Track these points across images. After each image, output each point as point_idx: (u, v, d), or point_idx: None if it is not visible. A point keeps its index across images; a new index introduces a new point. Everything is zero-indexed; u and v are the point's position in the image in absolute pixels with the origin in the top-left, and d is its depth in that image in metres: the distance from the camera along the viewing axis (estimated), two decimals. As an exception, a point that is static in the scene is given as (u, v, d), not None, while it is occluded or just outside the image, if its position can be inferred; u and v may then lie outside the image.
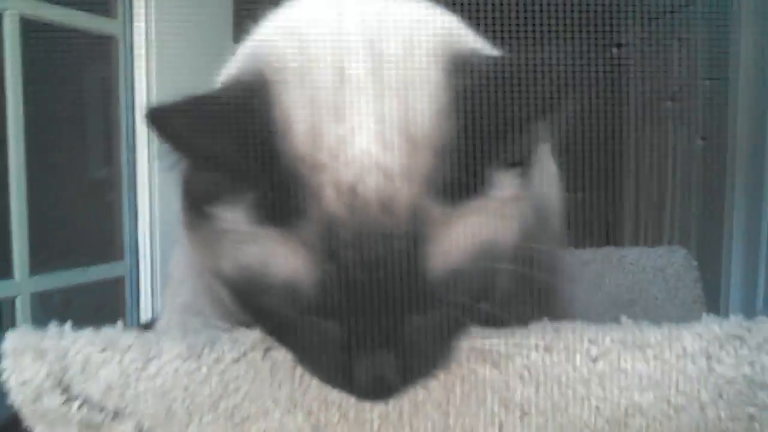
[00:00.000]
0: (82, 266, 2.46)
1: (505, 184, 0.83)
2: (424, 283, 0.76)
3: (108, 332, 0.92)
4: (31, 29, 2.15)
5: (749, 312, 1.04)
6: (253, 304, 0.82)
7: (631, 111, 4.76)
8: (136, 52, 2.45)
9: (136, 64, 2.46)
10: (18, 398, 0.90)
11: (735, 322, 0.98)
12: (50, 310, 2.39)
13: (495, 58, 0.86)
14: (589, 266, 1.80)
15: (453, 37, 0.89)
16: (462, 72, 0.80)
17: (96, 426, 0.91)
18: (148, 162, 2.50)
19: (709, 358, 0.94)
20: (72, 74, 2.58)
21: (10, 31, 2.08)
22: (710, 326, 0.97)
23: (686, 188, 3.99)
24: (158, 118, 0.76)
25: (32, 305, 2.25)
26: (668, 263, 1.82)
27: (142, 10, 2.43)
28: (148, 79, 2.48)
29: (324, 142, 0.76)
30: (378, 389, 0.78)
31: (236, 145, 0.75)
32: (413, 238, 0.75)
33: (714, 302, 3.26)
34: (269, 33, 0.93)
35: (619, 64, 4.87)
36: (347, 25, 0.85)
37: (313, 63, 0.80)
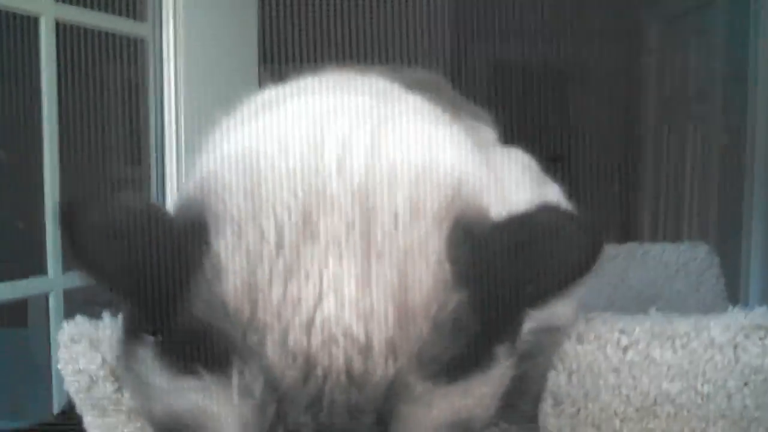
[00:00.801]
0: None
1: (501, 357, 0.71)
2: None
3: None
4: (64, 32, 2.19)
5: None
6: None
7: (651, 108, 4.77)
8: (164, 54, 2.49)
9: (165, 66, 2.50)
10: (72, 386, 0.94)
11: (760, 313, 1.01)
12: (74, 306, 2.43)
13: (504, 225, 0.70)
14: (613, 261, 1.82)
15: (461, 189, 0.73)
16: (471, 240, 0.68)
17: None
18: (176, 162, 2.54)
19: (735, 348, 0.97)
20: (102, 76, 2.63)
21: (45, 34, 2.12)
22: (736, 317, 1.01)
23: (705, 182, 4.00)
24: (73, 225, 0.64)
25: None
26: (691, 258, 1.84)
27: (171, 14, 2.47)
28: (176, 81, 2.52)
29: (271, 301, 0.63)
30: None
31: (150, 278, 0.63)
32: (385, 416, 0.63)
33: (734, 296, 3.27)
34: (223, 154, 0.75)
35: (640, 63, 4.89)
36: (326, 154, 0.70)
37: (267, 205, 0.66)
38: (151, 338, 0.67)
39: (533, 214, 0.69)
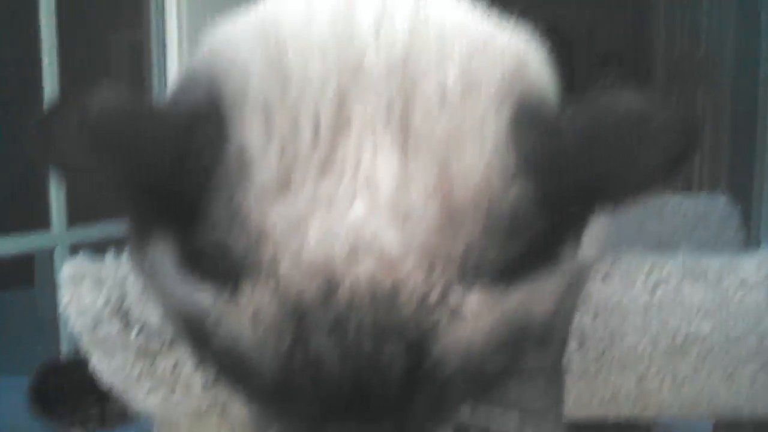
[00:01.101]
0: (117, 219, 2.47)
1: (565, 258, 0.62)
2: (433, 391, 0.56)
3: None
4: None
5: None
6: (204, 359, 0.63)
7: (660, 69, 4.72)
8: (167, 12, 2.44)
9: (167, 25, 2.44)
10: (77, 326, 0.90)
11: (795, 253, 0.97)
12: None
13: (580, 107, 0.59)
14: (629, 214, 1.78)
15: (525, 68, 0.64)
16: (540, 122, 0.58)
17: (152, 353, 0.91)
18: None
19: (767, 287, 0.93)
20: (104, 36, 2.58)
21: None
22: (769, 257, 0.97)
23: (715, 131, 3.97)
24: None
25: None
26: (710, 210, 1.80)
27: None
28: (179, 40, 2.46)
29: (295, 202, 0.53)
30: None
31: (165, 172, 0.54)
32: (425, 337, 0.54)
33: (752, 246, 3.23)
34: (237, 28, 0.65)
35: (649, 24, 4.83)
36: (362, 18, 0.59)
37: (298, 85, 0.56)
38: (160, 242, 0.60)
39: (614, 97, 0.57)
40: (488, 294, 0.55)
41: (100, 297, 0.89)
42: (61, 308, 0.91)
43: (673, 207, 1.81)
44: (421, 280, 0.53)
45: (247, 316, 0.54)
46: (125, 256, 0.94)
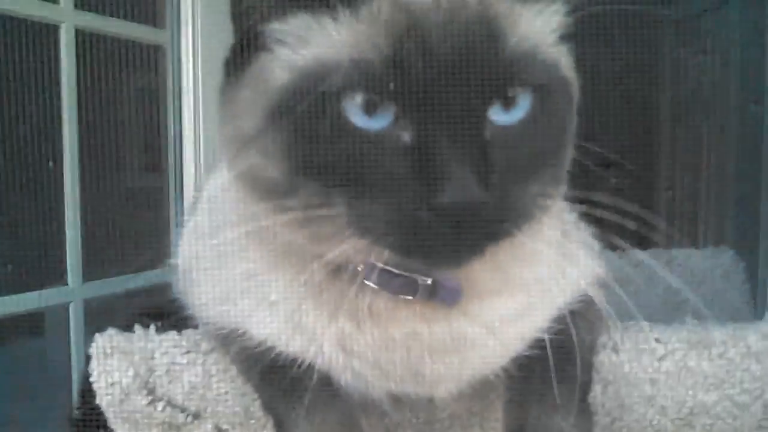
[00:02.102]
0: (131, 273, 2.51)
1: None
2: (504, 61, 0.74)
3: (191, 335, 0.96)
4: (83, 40, 2.20)
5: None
6: (303, 132, 0.75)
7: (664, 110, 4.74)
8: (183, 61, 2.50)
9: (183, 73, 2.50)
10: (105, 399, 0.94)
11: (798, 322, 1.00)
12: (92, 317, 2.43)
13: None
14: (638, 268, 1.81)
15: None
16: None
17: (177, 427, 0.94)
18: (194, 169, 2.54)
19: (772, 356, 0.97)
20: (121, 83, 2.63)
21: (66, 42, 2.13)
22: (773, 325, 1.00)
23: (721, 186, 3.98)
24: None
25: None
26: (716, 264, 1.83)
27: (190, 21, 2.48)
28: (195, 88, 2.52)
29: None
30: (464, 209, 0.70)
31: None
32: (494, 18, 0.75)
33: (757, 302, 3.24)
34: None
35: (655, 65, 4.86)
36: None
37: None
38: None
39: None
40: None
41: (128, 371, 0.92)
42: (91, 380, 0.94)
43: (680, 261, 1.85)
44: None
45: (368, 23, 0.74)
46: (152, 329, 0.98)
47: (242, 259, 0.89)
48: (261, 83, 0.79)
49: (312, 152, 0.74)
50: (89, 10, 2.22)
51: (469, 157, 0.70)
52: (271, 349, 0.87)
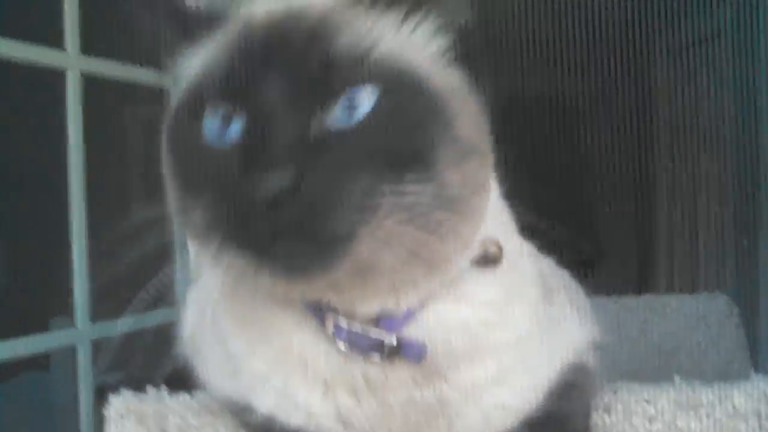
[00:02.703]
0: (137, 312, 2.55)
1: None
2: (333, 61, 0.78)
3: (203, 397, 1.00)
4: (89, 84, 2.26)
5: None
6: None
7: (662, 150, 4.75)
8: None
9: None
10: (121, 459, 0.98)
11: (783, 381, 1.05)
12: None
13: None
14: (633, 313, 1.85)
15: None
16: None
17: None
18: None
19: (759, 416, 1.01)
20: (126, 123, 2.69)
21: (72, 88, 2.19)
22: (759, 385, 1.04)
23: (719, 231, 4.00)
24: None
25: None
26: (710, 310, 1.87)
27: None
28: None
29: None
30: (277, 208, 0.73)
31: None
32: (324, 23, 0.81)
33: (754, 346, 3.26)
34: None
35: (650, 100, 4.91)
36: None
37: None
38: None
39: None
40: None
41: (143, 433, 0.97)
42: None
43: (675, 306, 1.89)
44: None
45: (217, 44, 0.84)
46: (165, 390, 1.02)
47: (230, 335, 0.94)
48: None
49: (178, 173, 0.84)
50: (95, 55, 2.28)
51: (288, 155, 0.73)
52: (274, 421, 0.91)
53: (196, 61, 0.87)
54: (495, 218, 0.93)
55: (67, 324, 2.35)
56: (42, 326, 2.41)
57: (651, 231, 4.78)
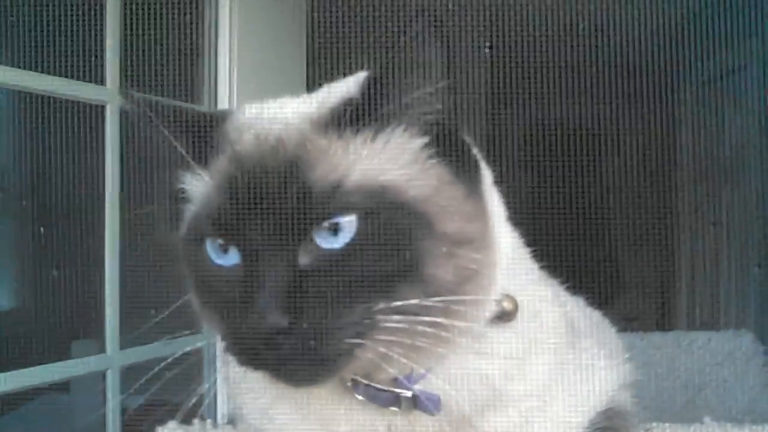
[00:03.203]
0: (167, 339, 2.59)
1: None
2: (310, 195, 0.83)
3: (245, 429, 1.03)
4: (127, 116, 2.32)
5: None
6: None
7: (686, 175, 4.74)
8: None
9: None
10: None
11: (812, 423, 1.07)
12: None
13: None
14: (660, 350, 1.87)
15: None
16: None
17: None
18: None
19: (789, 457, 1.03)
20: (163, 149, 2.76)
21: (111, 121, 2.25)
22: (788, 426, 1.06)
23: (743, 267, 3.98)
24: None
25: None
26: (736, 347, 1.89)
27: (226, 97, 2.61)
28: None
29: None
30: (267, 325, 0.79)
31: None
32: (300, 157, 0.86)
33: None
34: None
35: (674, 132, 4.91)
36: None
37: None
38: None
39: None
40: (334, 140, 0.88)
41: (188, 464, 1.00)
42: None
43: (701, 343, 1.91)
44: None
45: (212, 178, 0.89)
46: (209, 424, 1.05)
47: (257, 390, 1.00)
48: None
49: (196, 288, 0.91)
50: (134, 89, 2.35)
51: (276, 285, 0.79)
52: None
53: (196, 187, 0.94)
54: (510, 273, 0.95)
55: (90, 347, 2.40)
56: (64, 350, 2.46)
57: (673, 266, 4.78)
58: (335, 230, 0.82)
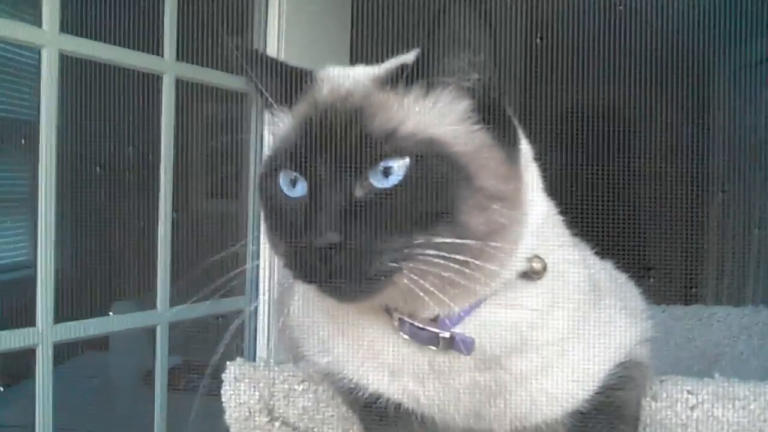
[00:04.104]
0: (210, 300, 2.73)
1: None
2: (369, 139, 0.99)
3: (305, 366, 1.17)
4: (182, 87, 2.46)
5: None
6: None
7: (716, 167, 4.77)
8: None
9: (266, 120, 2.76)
10: (233, 416, 1.15)
11: (814, 379, 1.18)
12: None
13: None
14: (680, 322, 1.98)
15: None
16: None
17: (290, 442, 1.15)
18: None
19: (790, 410, 1.15)
20: (209, 123, 2.89)
21: (167, 90, 2.41)
22: (792, 383, 1.18)
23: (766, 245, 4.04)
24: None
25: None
26: (753, 322, 1.98)
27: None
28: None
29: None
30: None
31: None
32: (363, 107, 1.02)
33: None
34: None
35: (707, 118, 4.93)
36: None
37: None
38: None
39: None
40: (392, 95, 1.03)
41: (254, 395, 1.14)
42: (222, 400, 1.16)
43: (720, 317, 2.01)
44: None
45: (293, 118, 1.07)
46: (272, 361, 1.19)
47: (317, 325, 1.15)
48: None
49: (266, 215, 1.07)
50: (188, 62, 2.49)
51: (333, 209, 0.96)
52: (364, 388, 1.09)
53: (280, 127, 1.10)
54: (542, 236, 1.10)
55: (127, 308, 2.56)
56: (103, 310, 2.62)
57: (701, 246, 4.83)
58: (387, 172, 0.98)
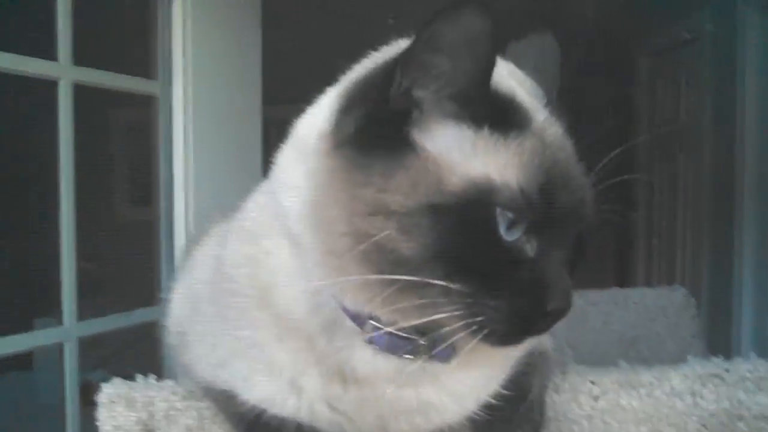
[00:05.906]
0: (125, 311, 2.63)
1: None
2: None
3: (187, 384, 1.09)
4: (80, 92, 2.35)
5: (762, 348, 1.21)
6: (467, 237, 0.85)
7: (641, 149, 4.81)
8: (174, 109, 2.68)
9: (174, 119, 2.69)
10: (110, 441, 1.07)
11: (716, 363, 1.16)
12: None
13: None
14: (596, 306, 1.95)
15: None
16: None
17: (174, 463, 1.07)
18: (185, 204, 2.70)
19: (693, 395, 1.12)
20: (117, 130, 2.79)
21: (63, 97, 2.28)
22: (694, 367, 1.15)
23: (696, 229, 4.09)
24: None
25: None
26: (669, 302, 1.97)
27: (180, 73, 2.67)
28: (185, 132, 2.70)
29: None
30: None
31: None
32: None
33: (726, 341, 3.40)
34: None
35: (631, 96, 4.98)
36: None
37: None
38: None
39: None
40: None
41: (131, 417, 1.06)
42: (97, 424, 1.07)
43: (636, 299, 1.99)
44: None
45: (527, 151, 0.88)
46: (151, 378, 1.11)
47: (246, 325, 0.98)
48: (426, 178, 0.86)
49: (458, 251, 0.84)
50: (87, 66, 2.38)
51: (567, 274, 0.88)
52: (260, 409, 0.99)
53: (496, 155, 0.87)
54: None
55: (53, 324, 2.45)
56: (27, 327, 2.50)
57: (629, 230, 4.89)
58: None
